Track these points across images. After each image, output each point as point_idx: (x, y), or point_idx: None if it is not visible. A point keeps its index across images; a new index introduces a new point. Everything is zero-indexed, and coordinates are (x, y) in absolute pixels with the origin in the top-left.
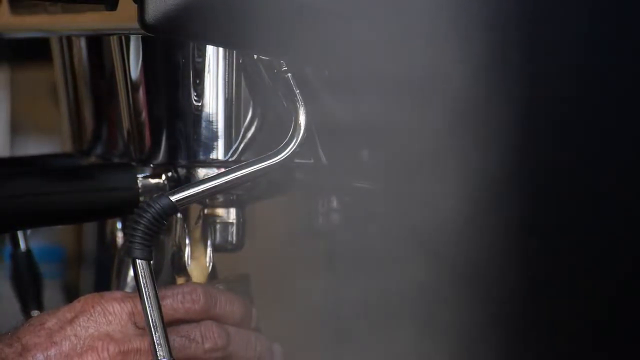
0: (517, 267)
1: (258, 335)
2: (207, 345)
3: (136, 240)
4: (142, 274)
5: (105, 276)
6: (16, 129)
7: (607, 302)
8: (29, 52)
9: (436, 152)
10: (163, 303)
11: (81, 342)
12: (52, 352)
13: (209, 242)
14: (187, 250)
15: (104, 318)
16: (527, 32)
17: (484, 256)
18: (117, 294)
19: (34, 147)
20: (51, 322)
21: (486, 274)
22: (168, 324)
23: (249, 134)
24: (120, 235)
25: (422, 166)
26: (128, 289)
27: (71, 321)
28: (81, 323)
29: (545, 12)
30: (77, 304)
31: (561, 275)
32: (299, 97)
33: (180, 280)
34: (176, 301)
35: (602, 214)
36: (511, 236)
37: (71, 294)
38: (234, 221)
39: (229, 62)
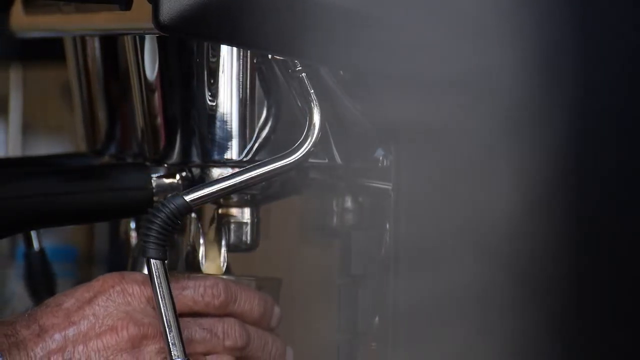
0: (571, 267)
1: (275, 337)
2: (228, 343)
3: (150, 240)
4: (157, 273)
5: None
6: (28, 128)
7: None
8: (41, 51)
9: (490, 153)
10: (184, 293)
11: (100, 321)
12: (71, 332)
13: (223, 242)
14: (202, 250)
15: (123, 298)
16: (579, 32)
17: (537, 255)
18: (138, 275)
19: (45, 146)
20: (69, 302)
21: (540, 273)
22: (187, 315)
23: (263, 134)
24: (133, 235)
25: (475, 166)
26: None
27: (90, 301)
28: (100, 302)
29: (597, 12)
30: (96, 283)
31: (615, 275)
32: (313, 96)
33: None
34: (197, 294)
35: None
36: (565, 236)
37: None
38: (248, 221)
39: (243, 61)
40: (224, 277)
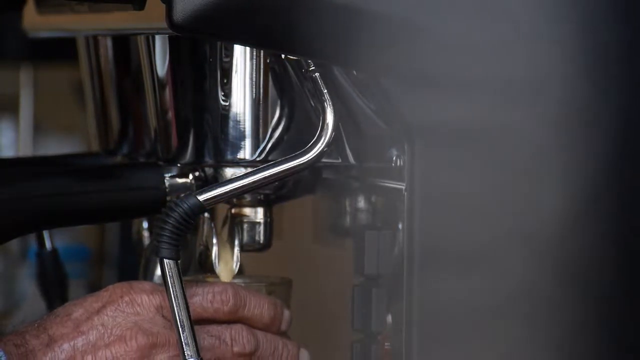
0: (619, 266)
1: (286, 341)
2: (236, 349)
3: (164, 240)
4: (170, 273)
5: (128, 275)
6: (38, 128)
7: None
8: (52, 51)
9: (539, 153)
10: (192, 301)
11: (109, 331)
12: (80, 342)
13: (236, 242)
14: (214, 249)
15: (132, 308)
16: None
17: (586, 255)
18: (146, 285)
19: (55, 146)
20: (78, 312)
21: (587, 272)
22: (196, 322)
23: (276, 134)
24: (146, 235)
25: (525, 166)
26: None
27: (98, 311)
28: (108, 313)
29: None
30: (105, 294)
31: None
32: (327, 96)
33: (208, 279)
34: (206, 300)
35: None
36: (613, 235)
37: None
38: (262, 221)
39: (256, 61)
40: (235, 281)
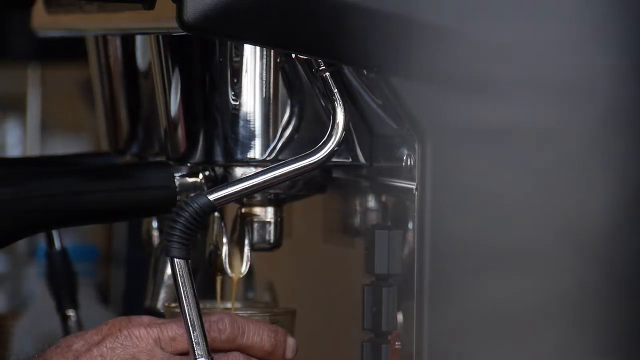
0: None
1: None
2: None
3: (174, 240)
4: (180, 273)
5: (136, 275)
6: (46, 127)
7: None
8: (59, 50)
9: (590, 153)
10: None
11: None
12: None
13: (246, 241)
14: (225, 249)
15: (130, 341)
16: None
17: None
18: (145, 319)
19: (62, 145)
20: (78, 344)
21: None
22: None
23: (287, 133)
24: (155, 234)
25: (576, 166)
26: (164, 288)
27: (98, 343)
28: (107, 345)
29: None
30: (104, 327)
31: None
32: (337, 96)
33: (218, 278)
34: None
35: None
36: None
37: (104, 293)
38: (272, 220)
39: (266, 61)
40: (240, 313)
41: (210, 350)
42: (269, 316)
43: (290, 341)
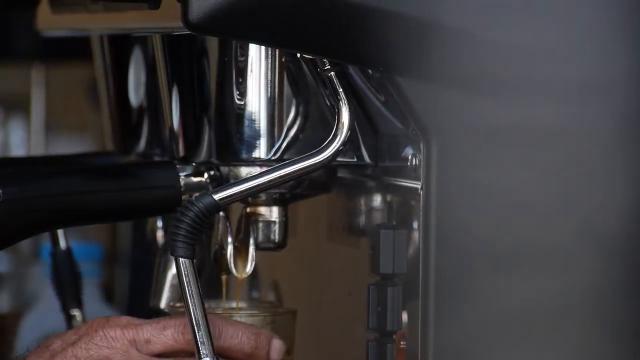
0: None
1: None
2: None
3: (179, 239)
4: (185, 272)
5: (141, 274)
6: (49, 127)
7: None
8: (63, 50)
9: (595, 152)
10: (164, 333)
11: None
12: None
13: (251, 241)
14: (230, 248)
15: (105, 342)
16: None
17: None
18: (123, 319)
19: (66, 145)
20: (56, 344)
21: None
22: (168, 355)
23: (292, 133)
24: (160, 234)
25: (580, 166)
26: (169, 287)
27: (73, 343)
28: (82, 345)
29: None
30: (83, 327)
31: None
32: (342, 95)
33: (223, 278)
34: (177, 332)
35: None
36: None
37: (109, 292)
38: (277, 220)
39: (271, 60)
40: (240, 317)
41: (186, 352)
42: (268, 316)
43: (276, 342)
